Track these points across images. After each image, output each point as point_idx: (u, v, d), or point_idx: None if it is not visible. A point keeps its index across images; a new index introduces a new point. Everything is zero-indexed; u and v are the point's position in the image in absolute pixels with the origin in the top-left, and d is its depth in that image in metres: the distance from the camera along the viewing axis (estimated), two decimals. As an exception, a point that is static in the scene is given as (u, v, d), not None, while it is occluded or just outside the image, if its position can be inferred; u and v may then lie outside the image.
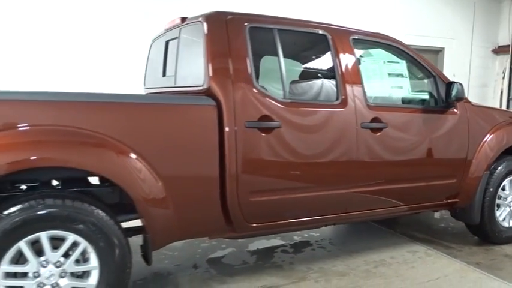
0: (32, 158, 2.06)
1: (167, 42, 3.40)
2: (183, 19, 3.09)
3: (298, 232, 4.09)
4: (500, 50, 9.53)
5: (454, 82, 3.36)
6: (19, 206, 2.07)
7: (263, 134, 2.66)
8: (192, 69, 2.81)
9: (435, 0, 8.82)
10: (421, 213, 4.44)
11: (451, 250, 3.76)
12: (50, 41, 5.52)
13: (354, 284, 3.03)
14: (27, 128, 2.10)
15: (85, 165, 2.17)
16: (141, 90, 3.93)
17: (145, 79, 3.97)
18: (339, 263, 3.41)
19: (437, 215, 4.85)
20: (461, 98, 3.36)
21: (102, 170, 2.22)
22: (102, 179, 2.46)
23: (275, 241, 3.93)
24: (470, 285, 3.06)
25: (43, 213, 2.10)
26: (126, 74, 5.65)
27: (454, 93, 3.32)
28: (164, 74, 3.43)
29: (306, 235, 4.10)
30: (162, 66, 3.46)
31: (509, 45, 9.30)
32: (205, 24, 2.68)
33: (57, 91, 2.29)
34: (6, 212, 2.04)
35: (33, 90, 2.25)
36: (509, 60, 9.34)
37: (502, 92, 9.40)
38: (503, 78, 9.43)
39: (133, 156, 2.30)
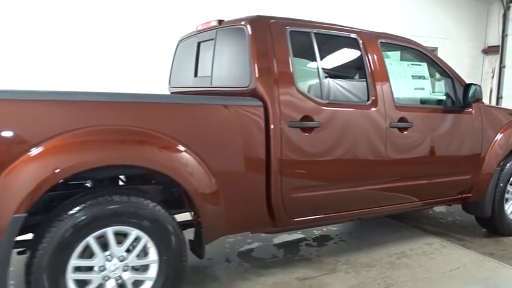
0: (107, 156, 2.16)
1: (199, 44, 3.49)
2: (220, 21, 3.19)
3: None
4: (489, 50, 9.89)
5: (472, 84, 3.56)
6: (88, 203, 2.16)
7: (305, 134, 2.80)
8: (235, 71, 2.93)
9: (429, 1, 9.09)
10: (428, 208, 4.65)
11: (463, 242, 3.98)
12: (59, 41, 5.51)
13: (383, 275, 3.20)
14: (100, 127, 2.18)
15: (151, 163, 2.27)
16: (158, 89, 3.97)
17: (170, 78, 4.05)
18: (363, 256, 3.58)
19: (443, 209, 5.09)
20: (479, 99, 3.56)
21: (166, 168, 2.32)
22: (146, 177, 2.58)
23: (296, 235, 4.08)
24: (489, 274, 3.27)
25: (111, 210, 2.19)
26: (137, 73, 5.71)
27: (473, 94, 3.52)
28: (196, 75, 3.52)
29: (325, 229, 4.26)
30: (193, 67, 3.56)
31: (498, 46, 9.66)
32: (249, 27, 2.79)
33: (120, 92, 2.38)
34: (76, 209, 2.13)
35: (99, 91, 2.33)
36: (498, 60, 9.71)
37: (491, 91, 9.76)
38: (493, 77, 9.80)
39: (191, 154, 2.40)
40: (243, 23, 2.86)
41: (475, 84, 3.56)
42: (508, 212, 4.10)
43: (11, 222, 1.97)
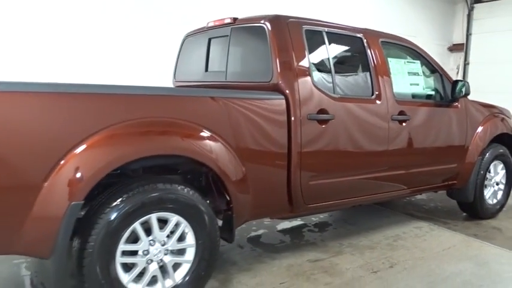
0: (159, 146, 2.29)
1: (210, 40, 3.64)
2: (235, 19, 3.35)
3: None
4: (454, 48, 10.51)
5: (459, 80, 3.91)
6: (136, 190, 2.28)
7: (321, 126, 3.02)
8: (256, 66, 3.10)
9: (401, 1, 9.50)
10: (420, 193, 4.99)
11: (448, 225, 4.36)
12: (60, 37, 5.42)
13: (385, 255, 3.50)
14: (148, 119, 2.31)
15: (195, 154, 2.43)
16: (158, 83, 4.01)
17: (175, 73, 4.16)
18: (362, 239, 3.86)
19: (424, 196, 5.48)
20: (467, 94, 3.91)
21: (207, 158, 2.48)
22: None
23: (297, 222, 4.32)
24: (477, 252, 3.64)
25: (156, 197, 2.33)
26: (137, 67, 5.72)
27: (461, 89, 3.86)
28: (207, 69, 3.67)
29: (322, 216, 4.52)
30: (203, 62, 3.70)
31: (463, 44, 10.29)
32: (269, 25, 2.97)
33: (165, 86, 2.51)
34: (126, 196, 2.25)
35: (145, 86, 2.45)
36: (462, 57, 10.34)
37: (456, 86, 10.37)
38: (457, 73, 10.41)
39: (225, 145, 2.57)
40: (262, 21, 3.04)
41: (462, 81, 3.90)
42: (487, 197, 4.51)
43: (69, 209, 2.07)
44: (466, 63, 10.24)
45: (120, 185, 2.33)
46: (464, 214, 4.72)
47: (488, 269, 3.33)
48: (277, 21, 3.01)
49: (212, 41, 3.63)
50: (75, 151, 2.09)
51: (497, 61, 9.32)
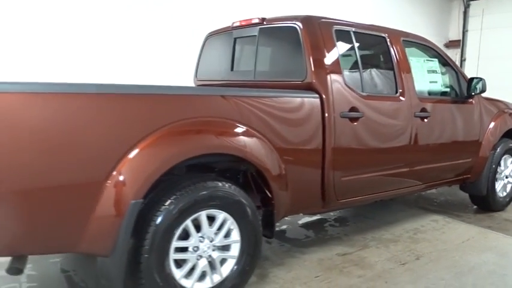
0: (214, 145, 2.36)
1: (235, 39, 3.70)
2: (263, 19, 3.41)
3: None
4: (451, 44, 10.70)
5: (475, 78, 4.04)
6: (188, 189, 2.34)
7: (352, 123, 3.11)
8: (289, 66, 3.18)
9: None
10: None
11: (462, 218, 4.50)
12: (71, 35, 5.41)
13: (409, 248, 3.61)
14: (201, 119, 2.38)
15: (245, 153, 2.51)
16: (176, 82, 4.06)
17: (197, 71, 4.22)
18: (384, 233, 3.98)
19: (434, 190, 5.62)
20: (483, 91, 4.04)
21: (254, 157, 2.55)
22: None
23: (316, 217, 4.41)
24: (495, 244, 3.78)
25: (206, 194, 2.39)
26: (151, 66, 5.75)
27: (476, 86, 3.99)
28: (232, 69, 3.73)
29: (338, 212, 4.63)
30: (228, 61, 3.76)
31: (459, 40, 10.49)
32: (302, 26, 3.05)
33: (221, 87, 2.56)
34: (179, 194, 2.31)
35: (199, 87, 2.51)
36: (459, 54, 10.54)
37: (453, 82, 10.59)
38: (454, 69, 10.61)
39: (268, 144, 2.65)
40: (294, 21, 3.11)
41: (479, 78, 4.03)
42: (498, 190, 4.67)
43: (130, 207, 2.13)
44: (462, 60, 10.44)
45: (171, 183, 2.39)
46: (475, 207, 4.87)
47: (508, 258, 3.47)
48: (310, 21, 3.09)
49: (238, 40, 3.69)
50: (135, 150, 2.14)
51: (493, 57, 9.53)
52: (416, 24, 9.92)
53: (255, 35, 3.46)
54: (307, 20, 3.08)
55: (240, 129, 2.52)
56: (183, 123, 2.31)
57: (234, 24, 3.72)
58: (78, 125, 2.03)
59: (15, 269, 2.06)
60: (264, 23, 3.40)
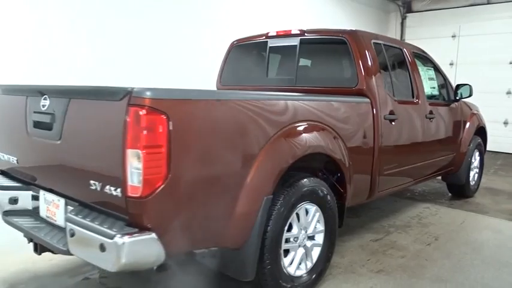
0: (318, 145, 2.68)
1: (270, 48, 3.99)
2: (303, 31, 3.76)
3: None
4: (389, 52, 11.82)
5: (464, 84, 4.75)
6: (296, 185, 2.61)
7: (391, 124, 3.58)
8: (337, 73, 3.56)
9: (337, 8, 10.09)
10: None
11: (447, 204, 5.22)
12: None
13: (423, 231, 4.18)
14: (310, 123, 2.67)
15: (335, 153, 2.83)
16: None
17: (221, 77, 4.43)
18: (395, 220, 4.52)
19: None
20: (471, 95, 4.76)
21: (338, 156, 2.89)
22: None
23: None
24: (486, 223, 4.50)
25: (309, 189, 2.68)
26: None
27: (465, 92, 4.70)
28: (267, 75, 4.02)
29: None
30: (262, 68, 4.04)
31: (397, 49, 11.63)
32: (350, 39, 3.45)
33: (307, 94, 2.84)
34: (288, 190, 2.57)
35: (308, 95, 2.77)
36: (397, 61, 11.70)
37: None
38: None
39: (341, 141, 3.00)
40: (342, 34, 3.50)
41: (466, 84, 4.75)
42: (470, 179, 5.48)
43: (264, 203, 2.35)
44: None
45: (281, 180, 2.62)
46: (450, 194, 5.65)
47: (504, 234, 4.18)
48: (356, 34, 3.50)
49: (273, 49, 3.98)
50: (265, 149, 2.37)
51: (428, 64, 10.73)
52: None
53: (295, 45, 3.78)
54: (353, 34, 3.49)
55: (327, 132, 2.85)
56: (293, 126, 2.58)
57: (270, 34, 4.00)
58: (236, 124, 2.25)
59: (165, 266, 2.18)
60: (305, 34, 3.74)
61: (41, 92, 2.40)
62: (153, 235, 1.90)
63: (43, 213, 2.51)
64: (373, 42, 3.62)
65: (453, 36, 10.49)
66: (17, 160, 2.69)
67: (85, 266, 3.19)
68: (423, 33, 10.95)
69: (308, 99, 2.86)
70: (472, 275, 3.24)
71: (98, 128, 2.06)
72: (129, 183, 1.88)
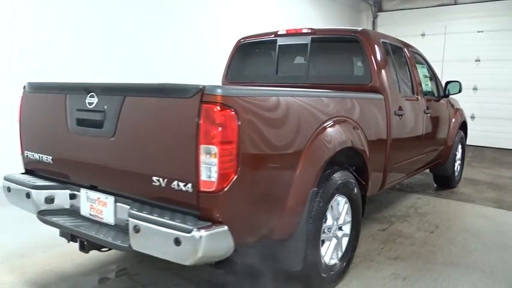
0: (353, 139, 2.81)
1: (280, 46, 4.09)
2: (314, 30, 3.88)
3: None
4: (361, 50, 12.19)
5: (453, 81, 5.05)
6: (332, 177, 2.73)
7: (399, 119, 3.78)
8: (350, 71, 3.71)
9: (308, 6, 10.33)
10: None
11: (435, 194, 5.54)
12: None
13: (423, 220, 4.43)
14: (342, 118, 2.79)
15: (359, 145, 2.97)
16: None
17: (227, 74, 4.48)
18: (394, 211, 4.75)
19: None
20: (460, 92, 5.07)
21: (363, 148, 3.04)
22: None
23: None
24: (477, 211, 4.83)
25: (342, 182, 2.81)
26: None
27: (454, 88, 5.00)
28: (277, 72, 4.12)
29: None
30: (271, 65, 4.14)
31: (368, 47, 12.02)
32: (362, 37, 3.61)
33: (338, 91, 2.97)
34: (326, 182, 2.69)
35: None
36: (368, 58, 12.08)
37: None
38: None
39: (364, 135, 3.15)
40: (354, 34, 3.65)
41: (455, 81, 5.05)
42: (455, 169, 5.83)
43: (310, 195, 2.46)
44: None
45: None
46: (435, 185, 5.98)
47: (495, 221, 4.50)
48: (367, 33, 3.66)
49: (282, 47, 4.08)
50: (310, 143, 2.47)
51: (399, 62, 11.19)
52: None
53: (306, 43, 3.90)
54: (365, 33, 3.66)
55: (355, 126, 2.99)
56: (332, 121, 2.70)
57: (279, 32, 4.10)
58: (291, 119, 2.36)
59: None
60: (317, 33, 3.87)
61: (86, 89, 2.38)
62: (226, 228, 1.96)
63: (85, 211, 2.50)
64: (381, 41, 3.80)
65: (422, 35, 10.98)
66: (51, 159, 2.65)
67: (110, 265, 3.19)
68: (394, 32, 11.04)
69: (339, 95, 2.99)
70: (479, 258, 3.49)
71: (161, 124, 2.09)
72: (202, 178, 1.93)
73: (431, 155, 4.95)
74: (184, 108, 1.98)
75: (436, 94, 5.10)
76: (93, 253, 3.23)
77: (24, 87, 2.82)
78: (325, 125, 2.63)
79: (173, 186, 2.04)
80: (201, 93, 1.94)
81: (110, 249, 2.50)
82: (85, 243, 2.44)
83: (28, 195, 2.60)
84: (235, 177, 1.97)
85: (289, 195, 2.37)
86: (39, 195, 2.58)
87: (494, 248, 3.72)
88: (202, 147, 1.92)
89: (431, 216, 4.57)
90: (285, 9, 9.49)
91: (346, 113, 2.96)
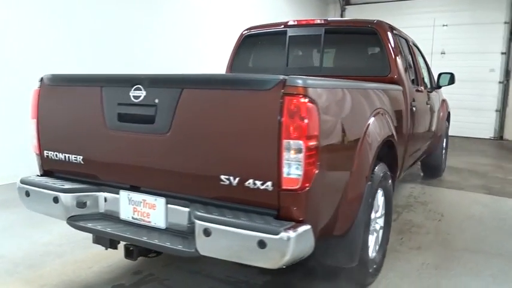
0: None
1: (290, 37, 4.00)
2: (327, 21, 3.82)
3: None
4: (329, 43, 12.34)
5: (446, 73, 5.18)
6: (375, 169, 2.69)
7: (413, 110, 3.81)
8: (368, 62, 3.69)
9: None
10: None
11: (426, 183, 5.69)
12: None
13: (426, 208, 4.53)
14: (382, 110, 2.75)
15: (393, 136, 2.95)
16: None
17: (232, 66, 4.33)
18: (396, 201, 4.79)
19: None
20: (453, 83, 5.21)
21: (396, 139, 3.02)
22: None
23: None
24: (472, 199, 5.00)
25: (383, 175, 2.77)
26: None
27: (446, 80, 5.13)
28: (287, 65, 4.02)
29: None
30: (282, 57, 4.04)
31: (336, 40, 12.19)
32: (379, 29, 3.59)
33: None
34: (375, 175, 2.65)
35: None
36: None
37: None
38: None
39: (393, 126, 3.14)
40: (371, 25, 3.63)
41: (448, 73, 5.18)
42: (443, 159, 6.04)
43: (367, 189, 2.40)
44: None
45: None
46: (422, 174, 6.15)
47: (491, 207, 4.69)
48: (384, 25, 3.65)
49: (293, 38, 3.99)
50: (363, 137, 2.41)
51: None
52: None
53: (320, 34, 3.83)
54: (381, 24, 3.64)
55: (390, 117, 2.96)
56: (378, 112, 2.65)
57: (289, 23, 4.00)
58: (355, 111, 2.34)
59: None
60: (331, 24, 3.81)
61: (130, 81, 2.17)
62: (309, 227, 1.85)
63: (127, 215, 2.29)
64: (394, 33, 3.81)
65: (389, 29, 11.25)
66: (82, 158, 2.41)
67: (134, 271, 2.98)
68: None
69: (379, 87, 2.95)
70: (493, 244, 3.61)
71: (231, 119, 1.94)
72: (285, 175, 1.81)
73: (427, 145, 5.07)
74: (262, 101, 1.85)
75: (430, 85, 5.22)
76: (111, 259, 3.07)
77: (41, 80, 2.54)
78: (374, 116, 2.58)
79: (248, 185, 1.89)
80: (282, 85, 1.81)
81: (158, 254, 2.32)
82: (131, 249, 2.24)
83: (56, 200, 2.34)
84: (317, 172, 1.87)
85: (349, 189, 2.29)
86: (70, 199, 2.33)
87: (502, 233, 3.86)
88: (285, 142, 1.80)
89: (432, 205, 4.68)
90: (254, 2, 9.37)
91: (381, 104, 2.92)
